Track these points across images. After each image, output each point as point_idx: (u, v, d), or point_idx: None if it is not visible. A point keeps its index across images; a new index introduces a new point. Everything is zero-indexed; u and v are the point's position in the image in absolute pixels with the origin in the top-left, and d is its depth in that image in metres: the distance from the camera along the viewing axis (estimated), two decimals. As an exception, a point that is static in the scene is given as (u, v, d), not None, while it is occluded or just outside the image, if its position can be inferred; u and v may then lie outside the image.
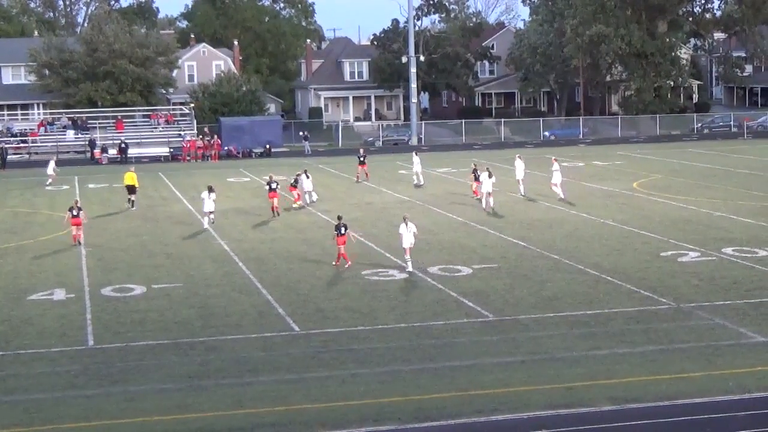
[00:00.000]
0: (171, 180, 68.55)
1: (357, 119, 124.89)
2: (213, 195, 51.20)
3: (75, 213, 47.08)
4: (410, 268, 38.86)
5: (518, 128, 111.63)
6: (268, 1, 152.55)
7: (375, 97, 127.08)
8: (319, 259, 41.69)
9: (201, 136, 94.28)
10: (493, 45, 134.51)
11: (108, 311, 33.66)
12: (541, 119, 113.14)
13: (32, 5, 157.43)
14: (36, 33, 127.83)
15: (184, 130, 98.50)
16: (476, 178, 57.98)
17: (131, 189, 58.71)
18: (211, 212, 51.25)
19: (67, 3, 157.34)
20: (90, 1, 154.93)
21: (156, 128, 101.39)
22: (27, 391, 25.54)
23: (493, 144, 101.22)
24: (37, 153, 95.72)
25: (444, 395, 24.47)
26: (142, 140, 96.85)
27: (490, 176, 55.09)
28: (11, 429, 22.88)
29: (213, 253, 43.79)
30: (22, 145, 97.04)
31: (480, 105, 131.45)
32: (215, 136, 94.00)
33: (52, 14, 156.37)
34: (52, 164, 73.50)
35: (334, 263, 40.38)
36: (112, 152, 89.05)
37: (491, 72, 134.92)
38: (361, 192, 63.63)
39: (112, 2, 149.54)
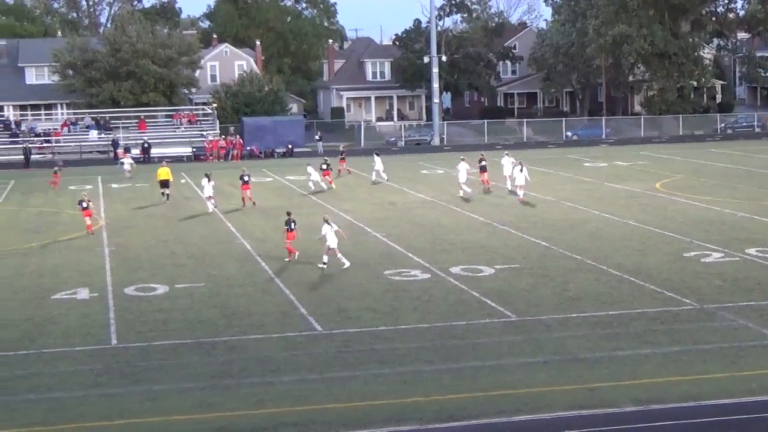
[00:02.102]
0: (194, 180, 68.65)
1: (379, 119, 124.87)
2: (212, 182, 56.78)
3: (85, 205, 49.93)
4: (325, 266, 39.20)
5: (540, 128, 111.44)
6: (291, 1, 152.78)
7: (397, 97, 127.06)
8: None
9: (223, 136, 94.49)
10: (515, 45, 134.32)
11: (131, 310, 33.76)
12: (563, 119, 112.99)
13: (56, 6, 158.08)
14: (59, 33, 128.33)
15: (206, 130, 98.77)
16: (482, 169, 61.81)
17: (165, 183, 61.38)
18: (210, 197, 56.46)
19: (91, 3, 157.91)
20: (113, 1, 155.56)
21: (178, 128, 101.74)
22: (50, 390, 25.63)
23: (516, 144, 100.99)
24: (60, 153, 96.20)
25: (466, 395, 24.43)
26: (165, 140, 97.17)
27: (522, 170, 58.04)
28: (35, 427, 22.97)
29: (235, 252, 43.85)
30: (45, 144, 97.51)
31: (502, 105, 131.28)
32: (237, 136, 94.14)
33: (75, 15, 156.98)
34: (128, 160, 75.53)
35: (286, 259, 41.17)
36: (135, 152, 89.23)
37: (513, 72, 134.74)
38: (384, 192, 63.61)
39: (135, 2, 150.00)
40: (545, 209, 54.81)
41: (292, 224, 41.01)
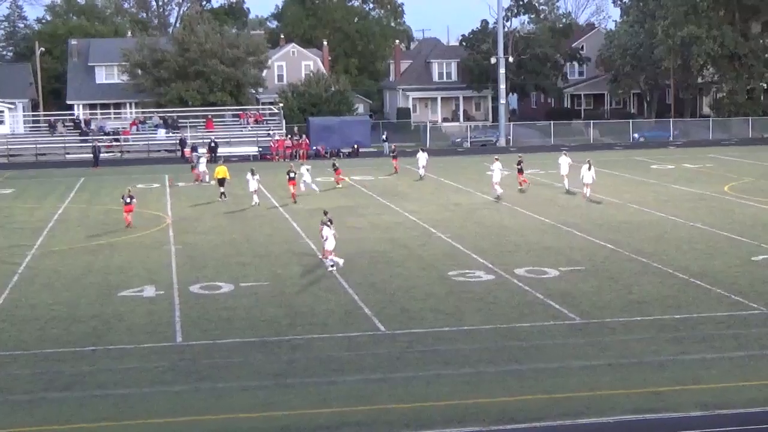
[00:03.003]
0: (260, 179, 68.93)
1: (445, 120, 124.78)
2: (257, 177, 59.27)
3: (128, 201, 51.72)
4: (331, 268, 39.64)
5: (607, 130, 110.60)
6: (358, 1, 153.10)
7: (463, 97, 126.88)
8: (404, 260, 41.74)
9: (289, 136, 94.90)
10: (582, 46, 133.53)
11: (196, 308, 34.01)
12: (630, 121, 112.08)
13: (126, 6, 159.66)
14: (129, 33, 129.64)
15: (272, 130, 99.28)
16: (520, 171, 64.42)
17: (222, 182, 62.47)
18: (255, 191, 59.14)
19: (160, 3, 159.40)
20: (182, 1, 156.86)
21: (245, 128, 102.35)
22: (116, 386, 25.90)
23: (582, 146, 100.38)
24: (129, 151, 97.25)
25: (529, 397, 24.36)
26: (232, 139, 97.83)
27: (589, 168, 59.35)
28: (101, 423, 23.24)
29: (300, 251, 44.02)
30: (114, 143, 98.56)
31: (569, 106, 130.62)
32: (303, 136, 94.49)
33: (145, 15, 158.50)
34: (203, 160, 75.56)
35: (320, 257, 41.70)
36: (202, 151, 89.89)
37: (581, 73, 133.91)
38: (449, 193, 63.56)
39: (204, 3, 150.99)
40: (611, 211, 54.48)
41: (329, 223, 40.91)
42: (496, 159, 64.27)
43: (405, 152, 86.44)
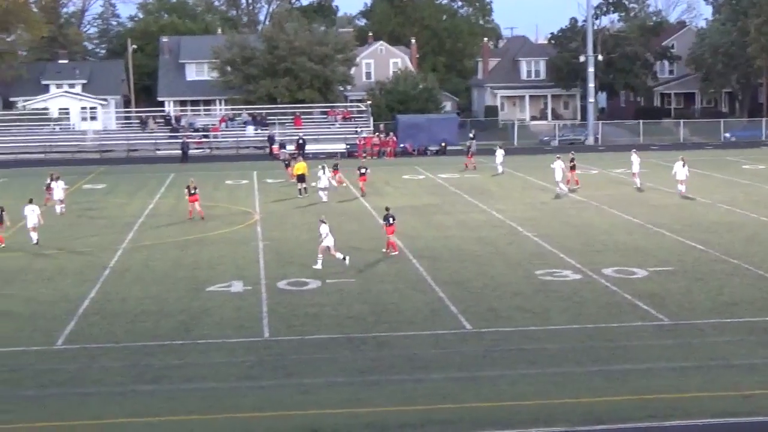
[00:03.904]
0: (347, 177, 69.12)
1: (533, 118, 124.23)
2: (327, 173, 60.16)
3: (192, 192, 53.03)
4: (316, 266, 39.80)
5: (697, 129, 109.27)
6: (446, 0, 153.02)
7: (551, 96, 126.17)
8: (491, 258, 41.65)
9: (377, 134, 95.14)
10: (673, 44, 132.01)
11: (283, 304, 34.24)
12: (721, 120, 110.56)
13: (216, 3, 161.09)
14: (219, 31, 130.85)
15: (360, 127, 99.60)
16: (572, 168, 64.53)
17: (301, 178, 62.82)
18: (325, 188, 59.67)
19: (250, 1, 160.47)
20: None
21: (333, 125, 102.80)
22: (204, 380, 26.19)
23: (672, 145, 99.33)
24: (218, 148, 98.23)
25: (616, 398, 24.16)
26: (320, 137, 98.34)
27: (684, 165, 59.45)
28: (189, 416, 23.51)
29: (396, 251, 43.94)
30: (203, 140, 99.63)
31: (658, 105, 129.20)
32: (391, 134, 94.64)
33: (235, 12, 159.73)
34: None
35: (383, 251, 42.47)
36: (290, 148, 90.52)
37: (671, 72, 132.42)
38: (536, 191, 63.26)
39: (293, 0, 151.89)
40: (701, 211, 53.83)
41: (390, 219, 42.31)
42: (558, 158, 64.05)
43: (491, 151, 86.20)
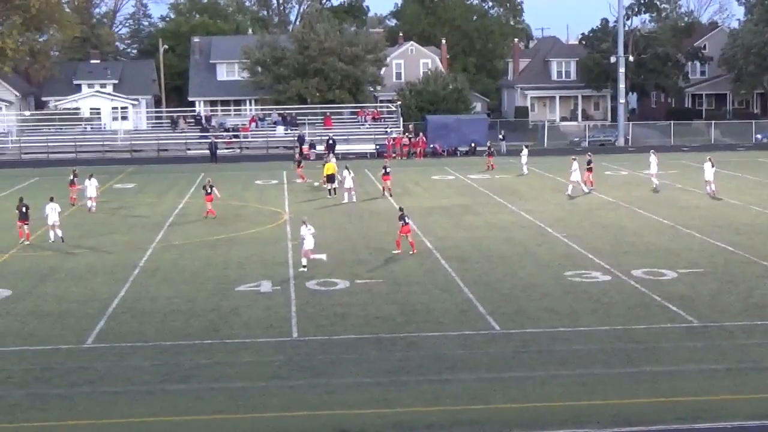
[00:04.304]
0: (376, 176, 69.21)
1: (563, 119, 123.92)
2: (352, 174, 60.64)
3: (208, 191, 54.23)
4: (302, 269, 39.81)
5: (729, 130, 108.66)
6: (477, 0, 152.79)
7: (582, 97, 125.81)
8: (520, 259, 41.59)
9: (406, 134, 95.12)
10: (704, 45, 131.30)
11: (312, 304, 34.30)
12: (753, 122, 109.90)
13: (247, 4, 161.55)
14: (250, 31, 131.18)
15: (390, 128, 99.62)
16: (589, 169, 64.22)
17: (331, 178, 63.19)
18: (351, 188, 59.94)
19: (281, 1, 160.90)
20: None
21: (363, 125, 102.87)
22: (233, 379, 26.28)
23: (703, 146, 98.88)
24: (248, 148, 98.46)
25: (645, 400, 24.09)
26: (349, 137, 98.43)
27: (712, 165, 60.05)
28: (217, 415, 23.60)
29: (416, 249, 44.03)
30: (233, 140, 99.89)
31: (690, 106, 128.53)
32: (420, 134, 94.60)
33: (266, 13, 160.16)
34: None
35: (411, 252, 42.57)
36: (320, 148, 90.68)
37: (702, 73, 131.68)
38: (565, 192, 63.04)
39: (324, 1, 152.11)
40: (732, 213, 53.56)
41: (406, 218, 42.82)
42: (573, 159, 64.36)
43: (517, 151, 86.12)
